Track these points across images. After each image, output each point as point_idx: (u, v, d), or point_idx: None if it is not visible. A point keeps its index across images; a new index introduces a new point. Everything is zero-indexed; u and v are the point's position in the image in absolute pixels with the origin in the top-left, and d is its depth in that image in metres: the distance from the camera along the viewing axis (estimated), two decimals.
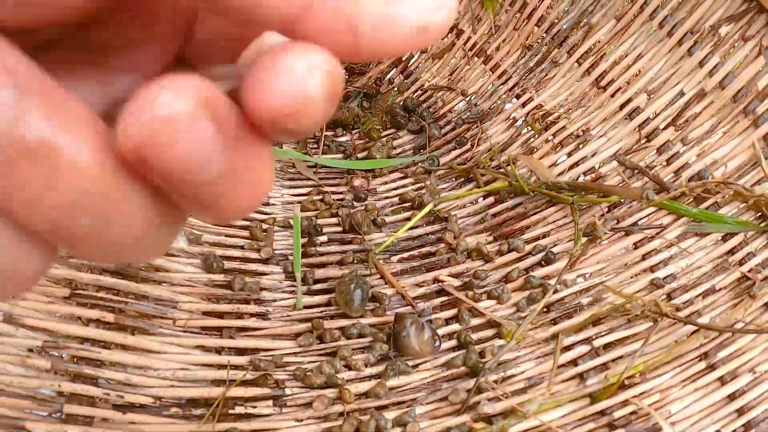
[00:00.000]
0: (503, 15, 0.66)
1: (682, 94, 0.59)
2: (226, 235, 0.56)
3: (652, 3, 0.60)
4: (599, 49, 0.62)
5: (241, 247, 0.56)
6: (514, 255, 0.57)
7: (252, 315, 0.52)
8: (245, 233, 0.57)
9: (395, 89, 0.70)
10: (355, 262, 0.56)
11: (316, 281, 0.54)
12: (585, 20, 0.62)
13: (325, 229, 0.58)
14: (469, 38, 0.68)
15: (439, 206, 0.59)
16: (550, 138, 0.62)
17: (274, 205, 0.61)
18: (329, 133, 0.68)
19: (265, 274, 0.54)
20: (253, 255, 0.55)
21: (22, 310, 0.44)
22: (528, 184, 0.57)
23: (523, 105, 0.64)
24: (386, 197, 0.62)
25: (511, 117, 0.64)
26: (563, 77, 0.63)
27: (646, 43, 0.60)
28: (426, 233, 0.59)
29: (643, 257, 0.56)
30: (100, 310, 0.47)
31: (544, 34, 0.64)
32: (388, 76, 0.73)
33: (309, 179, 0.63)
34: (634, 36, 0.61)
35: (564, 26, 0.63)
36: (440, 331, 0.53)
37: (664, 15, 0.59)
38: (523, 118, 0.63)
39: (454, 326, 0.53)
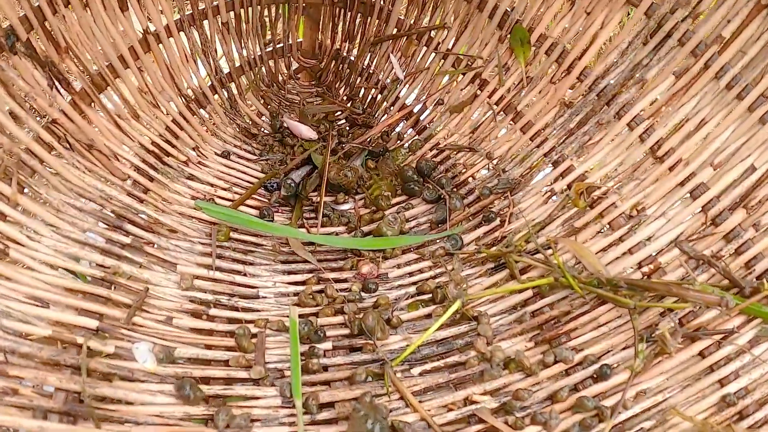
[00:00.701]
0: (537, 65, 0.55)
1: (753, 169, 0.49)
2: (206, 346, 0.44)
3: (718, 60, 0.49)
4: (656, 111, 0.51)
5: (225, 363, 0.44)
6: (560, 367, 0.46)
7: None
8: (229, 341, 0.45)
9: (405, 147, 0.58)
10: (369, 378, 0.44)
11: (322, 406, 0.43)
12: (638, 75, 0.52)
13: (329, 331, 0.47)
14: (495, 90, 0.57)
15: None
16: (597, 218, 0.51)
17: (265, 299, 0.49)
18: (329, 200, 0.56)
19: (257, 398, 0.42)
20: (241, 374, 0.43)
21: None
22: (575, 278, 0.47)
23: (562, 175, 0.53)
24: (400, 285, 0.51)
25: (547, 189, 0.53)
26: (611, 143, 0.52)
27: (711, 107, 0.50)
28: (452, 336, 0.48)
29: (712, 368, 0.46)
30: None
31: (587, 90, 0.53)
32: (397, 131, 0.61)
33: (306, 262, 0.51)
34: (697, 97, 0.50)
35: (612, 81, 0.52)
36: None
37: (733, 74, 0.49)
38: (564, 191, 0.52)
39: None
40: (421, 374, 0.46)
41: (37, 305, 0.42)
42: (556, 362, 0.46)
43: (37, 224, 0.45)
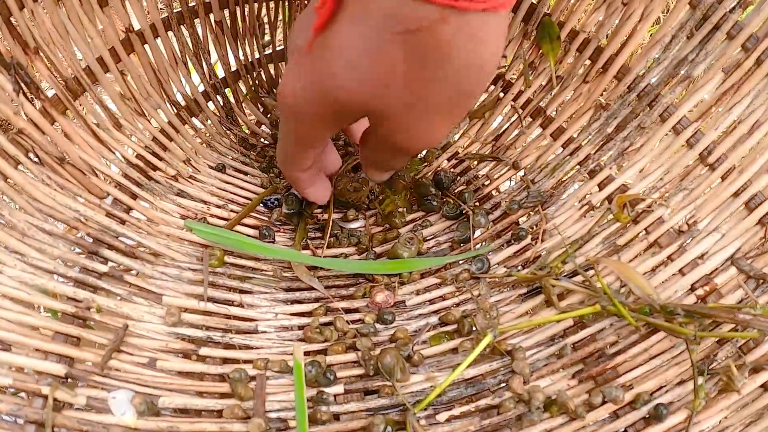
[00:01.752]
0: (568, 63, 0.48)
1: None
2: (197, 393, 0.36)
3: None
4: (704, 112, 0.44)
5: (219, 414, 0.36)
6: (609, 408, 0.38)
7: None
8: (223, 387, 0.37)
9: (420, 157, 0.51)
10: (388, 428, 0.36)
11: None
12: (683, 72, 0.44)
13: (339, 372, 0.39)
14: (520, 93, 0.49)
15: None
16: (642, 233, 0.43)
17: (265, 333, 0.41)
18: (337, 216, 0.48)
19: None
20: (237, 427, 0.35)
21: None
22: (623, 304, 0.39)
23: (600, 186, 0.45)
24: (420, 315, 0.43)
25: (584, 201, 0.45)
26: (655, 149, 0.44)
27: (766, 107, 0.42)
28: (482, 375, 0.40)
29: None
30: None
31: (626, 90, 0.46)
32: None
33: (312, 289, 0.43)
34: (750, 97, 0.43)
35: (653, 80, 0.45)
36: None
37: None
38: (602, 204, 0.45)
39: None
40: (448, 420, 0.38)
41: None
42: (603, 403, 0.39)
43: None
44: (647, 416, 0.38)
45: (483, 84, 0.31)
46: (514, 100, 0.49)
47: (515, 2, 0.29)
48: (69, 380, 0.34)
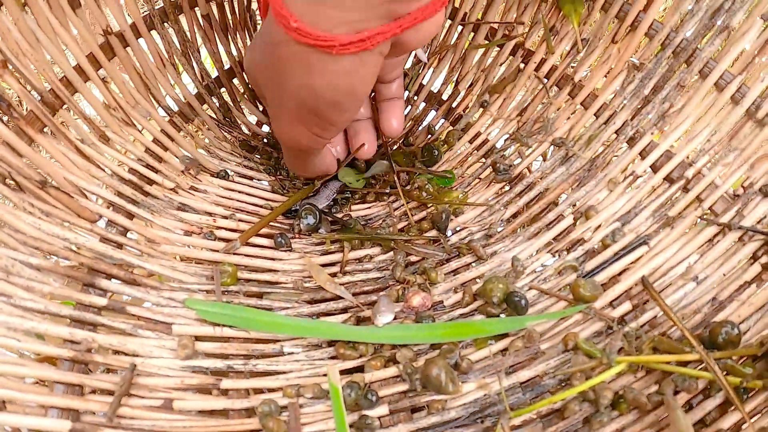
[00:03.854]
0: (591, 23, 0.40)
1: None
2: None
3: None
4: (747, 64, 0.36)
5: None
6: (683, 398, 0.31)
7: None
8: (251, 423, 0.29)
9: (440, 141, 0.43)
10: None
11: None
12: (720, 22, 0.36)
13: (381, 390, 0.32)
14: (543, 61, 0.42)
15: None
16: (694, 202, 0.36)
17: (292, 354, 0.33)
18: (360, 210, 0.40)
19: None
20: None
21: None
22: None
23: (642, 154, 0.38)
24: (461, 314, 0.36)
25: (627, 173, 0.38)
26: (698, 109, 0.37)
27: None
28: (538, 376, 0.33)
29: None
30: None
31: (660, 47, 0.38)
32: (425, 123, 0.46)
33: (339, 298, 0.36)
34: None
35: (689, 34, 0.37)
36: None
37: None
38: (647, 172, 0.37)
39: None
40: (511, 429, 0.31)
41: None
42: (676, 393, 0.31)
43: None
44: (723, 402, 0.32)
45: (324, 106, 0.32)
46: (537, 69, 0.42)
47: (350, 47, 0.28)
48: None
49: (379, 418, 0.31)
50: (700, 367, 0.32)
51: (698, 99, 0.37)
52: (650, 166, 0.37)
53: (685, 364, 0.32)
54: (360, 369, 0.33)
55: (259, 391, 0.31)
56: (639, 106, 0.38)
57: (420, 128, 0.46)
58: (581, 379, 0.32)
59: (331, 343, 0.34)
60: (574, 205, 0.38)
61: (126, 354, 0.31)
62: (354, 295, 0.36)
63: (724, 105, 0.37)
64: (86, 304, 0.31)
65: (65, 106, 0.36)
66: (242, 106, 0.47)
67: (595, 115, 0.39)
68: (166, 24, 0.41)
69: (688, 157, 0.37)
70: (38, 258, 0.32)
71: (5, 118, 0.33)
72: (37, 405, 0.28)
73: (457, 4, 0.45)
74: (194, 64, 0.42)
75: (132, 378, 0.29)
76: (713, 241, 0.35)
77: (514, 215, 0.39)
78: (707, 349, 0.32)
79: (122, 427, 0.28)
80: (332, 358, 0.33)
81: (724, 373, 0.31)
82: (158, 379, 0.30)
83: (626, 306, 0.34)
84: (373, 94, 0.42)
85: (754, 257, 0.35)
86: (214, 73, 0.45)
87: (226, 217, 0.38)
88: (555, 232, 0.37)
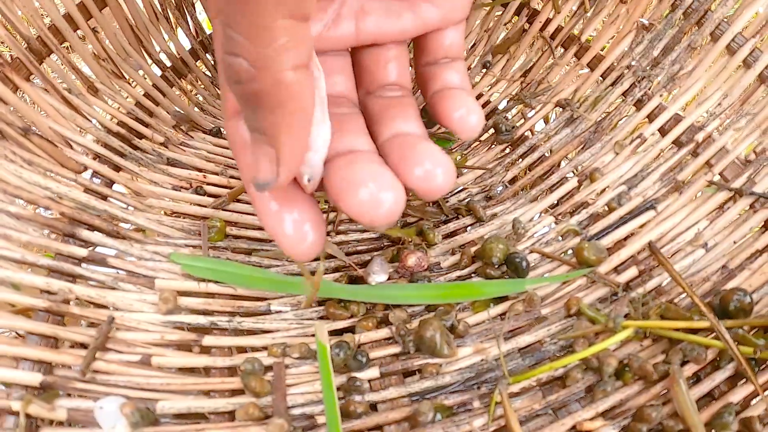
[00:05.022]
0: None
1: None
2: (202, 393, 0.26)
3: None
4: (761, 27, 0.33)
5: (231, 416, 0.26)
6: (691, 368, 0.28)
7: None
8: (233, 383, 0.27)
9: None
10: (438, 417, 0.26)
11: None
12: None
13: (372, 352, 0.29)
14: (549, 20, 0.39)
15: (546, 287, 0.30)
16: (704, 167, 0.33)
17: (280, 313, 0.30)
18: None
19: None
20: (254, 429, 0.25)
21: None
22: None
23: (650, 118, 0.35)
24: (459, 276, 0.33)
25: (634, 136, 0.35)
26: (709, 71, 0.34)
27: None
28: (539, 341, 0.29)
29: None
30: None
31: (671, 7, 0.35)
32: None
33: (331, 257, 0.33)
34: None
35: None
36: None
37: None
38: (655, 136, 0.34)
39: None
40: (509, 397, 0.28)
41: None
42: (684, 363, 0.28)
43: None
44: (732, 375, 0.29)
45: None
46: (542, 29, 0.38)
47: None
48: (45, 390, 0.24)
49: (369, 381, 0.28)
50: (710, 336, 0.29)
51: (709, 62, 0.34)
52: (658, 130, 0.34)
53: (694, 332, 0.29)
54: (350, 330, 0.30)
55: (242, 350, 0.28)
56: (648, 67, 0.35)
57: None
58: (584, 345, 0.29)
59: (321, 303, 0.31)
60: (579, 168, 0.34)
61: (105, 307, 0.28)
62: (347, 254, 0.33)
63: (736, 69, 0.34)
64: (65, 254, 0.28)
65: (53, 55, 0.33)
66: None
67: (601, 76, 0.36)
68: None
69: (698, 121, 0.34)
70: (17, 207, 0.29)
71: None
72: (7, 356, 0.26)
73: None
74: (188, 19, 0.39)
75: (109, 331, 0.26)
76: (723, 207, 0.32)
77: (516, 178, 0.36)
78: (717, 317, 0.29)
79: (96, 381, 0.25)
80: (322, 318, 0.30)
81: (735, 343, 0.28)
82: (137, 333, 0.27)
83: (632, 272, 0.31)
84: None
85: (766, 225, 0.32)
86: (209, 30, 0.42)
87: (216, 173, 0.35)
88: (558, 195, 0.34)
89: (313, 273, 0.27)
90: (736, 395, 0.28)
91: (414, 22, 0.24)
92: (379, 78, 0.26)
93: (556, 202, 0.34)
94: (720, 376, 0.28)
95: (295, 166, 0.20)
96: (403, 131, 0.23)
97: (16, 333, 0.28)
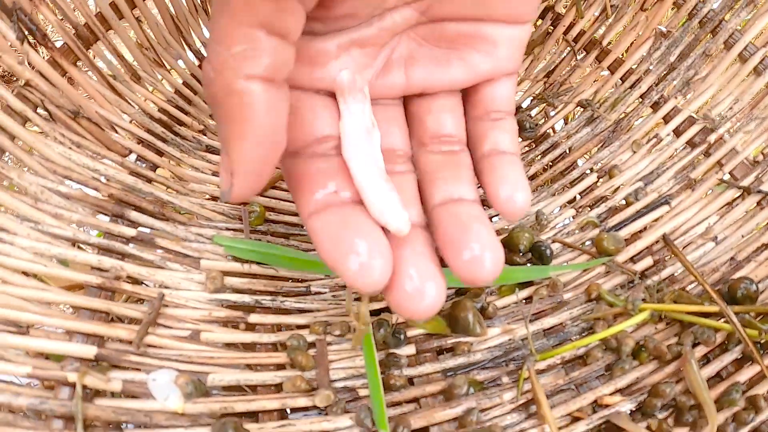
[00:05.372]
0: None
1: None
2: (249, 367, 0.27)
3: None
4: None
5: (278, 388, 0.27)
6: (702, 350, 0.30)
7: None
8: (279, 357, 0.28)
9: None
10: (470, 390, 0.28)
11: None
12: None
13: (408, 332, 0.30)
14: (572, 24, 0.40)
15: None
16: (715, 166, 0.35)
17: (319, 294, 0.31)
18: None
19: None
20: (301, 401, 0.26)
21: None
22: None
23: (666, 119, 0.36)
24: None
25: (650, 135, 0.36)
26: (722, 77, 0.36)
27: None
28: (561, 324, 0.31)
29: None
30: None
31: (687, 17, 0.37)
32: None
33: None
34: None
35: (716, 5, 0.36)
36: None
37: None
38: (670, 135, 0.36)
39: None
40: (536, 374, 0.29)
41: (10, 331, 0.25)
42: (695, 345, 0.30)
43: (7, 219, 0.27)
44: (740, 357, 0.31)
45: None
46: (565, 33, 0.40)
47: None
48: (100, 363, 0.25)
49: (407, 360, 0.29)
50: (720, 321, 0.31)
51: (722, 68, 0.36)
52: (673, 131, 0.36)
53: (705, 317, 0.31)
54: (387, 309, 0.31)
55: (286, 327, 0.30)
56: (665, 72, 0.37)
57: None
58: (603, 327, 0.30)
59: None
60: (598, 165, 0.36)
61: (154, 284, 0.29)
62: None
63: (747, 75, 0.36)
64: (115, 233, 0.29)
65: (99, 42, 0.34)
66: None
67: (621, 79, 0.38)
68: None
69: (710, 124, 0.35)
70: (67, 187, 0.30)
71: (39, 48, 0.31)
72: (62, 330, 0.26)
73: None
74: None
75: (160, 307, 0.27)
76: (732, 204, 0.34)
77: (537, 173, 0.37)
78: (726, 304, 0.31)
79: (148, 355, 0.26)
80: (357, 299, 0.32)
81: (742, 327, 0.30)
82: (185, 310, 0.28)
83: (647, 261, 0.33)
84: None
85: None
86: None
87: None
88: (578, 189, 0.36)
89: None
90: (743, 375, 0.30)
91: (464, 72, 0.23)
92: (432, 129, 0.24)
93: (576, 196, 0.36)
94: (728, 358, 0.30)
95: (253, 181, 0.19)
96: (455, 197, 0.22)
97: (72, 308, 0.29)
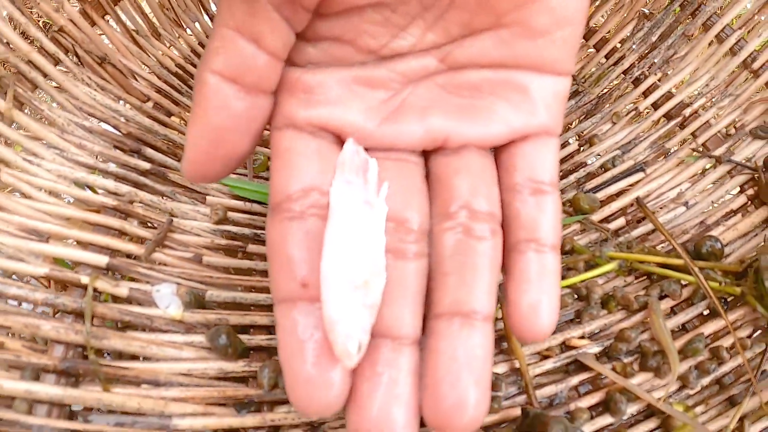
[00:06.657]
0: None
1: None
2: (245, 289, 0.29)
3: None
4: (747, 20, 0.37)
5: (269, 308, 0.29)
6: (667, 303, 0.32)
7: None
8: (269, 282, 0.30)
9: None
10: None
11: None
12: None
13: None
14: None
15: None
16: (689, 138, 0.36)
17: None
18: None
19: None
20: None
21: None
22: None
23: (645, 94, 0.38)
24: None
25: (629, 108, 0.38)
26: (699, 56, 0.38)
27: None
28: None
29: None
30: None
31: (669, 0, 0.39)
32: None
33: None
34: None
35: None
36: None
37: None
38: (648, 110, 0.38)
39: (605, 419, 0.28)
40: (501, 319, 0.31)
41: (32, 239, 0.27)
42: (662, 297, 0.32)
43: (36, 145, 0.30)
44: (706, 312, 0.32)
45: None
46: None
47: None
48: (110, 271, 0.27)
49: None
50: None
51: (700, 48, 0.38)
52: (651, 104, 0.37)
53: (671, 271, 0.32)
54: None
55: None
56: (646, 51, 0.38)
57: None
58: (574, 275, 0.32)
59: None
60: (580, 135, 0.38)
61: (163, 211, 0.31)
62: None
63: (723, 55, 0.38)
64: (131, 166, 0.32)
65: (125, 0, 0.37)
66: None
67: (605, 57, 0.40)
68: None
69: (687, 99, 0.37)
70: (91, 122, 0.32)
71: (73, 2, 0.34)
72: (78, 240, 0.29)
73: None
74: None
75: (168, 229, 0.30)
76: (704, 172, 0.36)
77: None
78: (692, 259, 0.32)
79: (154, 269, 0.28)
80: None
81: (705, 281, 0.32)
82: (191, 236, 0.30)
83: (620, 221, 0.34)
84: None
85: (741, 189, 0.35)
86: None
87: None
88: (561, 155, 0.37)
89: None
90: (708, 329, 0.31)
91: (493, 124, 0.19)
92: (458, 194, 0.19)
93: (559, 161, 0.37)
94: (693, 311, 0.32)
95: (202, 168, 0.18)
96: (464, 309, 0.17)
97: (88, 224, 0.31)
